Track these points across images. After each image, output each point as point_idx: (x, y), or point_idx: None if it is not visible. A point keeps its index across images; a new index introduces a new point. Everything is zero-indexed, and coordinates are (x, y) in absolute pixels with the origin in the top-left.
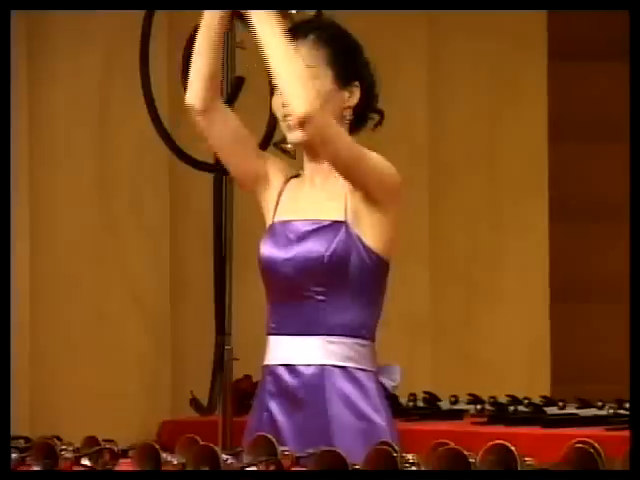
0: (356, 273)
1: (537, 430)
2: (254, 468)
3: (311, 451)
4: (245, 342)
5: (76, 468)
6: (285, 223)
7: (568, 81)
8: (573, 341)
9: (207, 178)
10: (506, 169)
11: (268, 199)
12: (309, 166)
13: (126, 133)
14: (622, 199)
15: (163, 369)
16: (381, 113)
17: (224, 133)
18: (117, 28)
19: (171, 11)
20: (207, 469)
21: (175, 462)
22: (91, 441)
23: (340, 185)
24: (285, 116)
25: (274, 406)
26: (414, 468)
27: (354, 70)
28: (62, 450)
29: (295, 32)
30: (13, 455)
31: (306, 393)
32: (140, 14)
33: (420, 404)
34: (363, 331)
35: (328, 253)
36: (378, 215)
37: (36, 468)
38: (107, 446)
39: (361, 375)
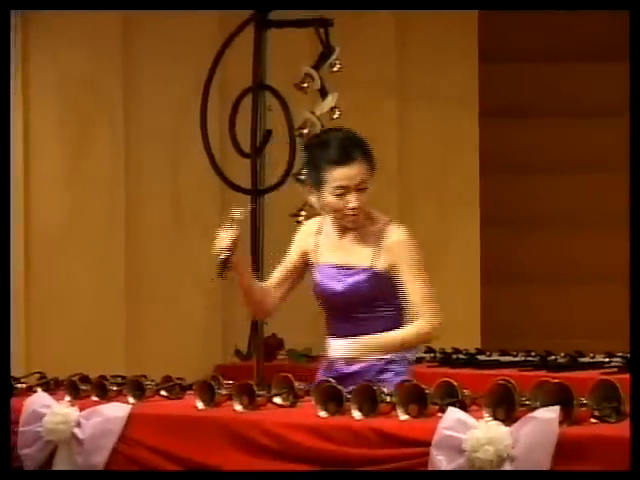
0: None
1: (472, 371)
2: (279, 397)
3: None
4: None
5: (157, 398)
6: (332, 265)
7: (494, 132)
8: (495, 311)
9: (247, 197)
10: (452, 193)
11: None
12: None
13: (191, 163)
14: (529, 211)
15: (216, 328)
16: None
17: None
18: (190, 82)
19: (223, 73)
20: (246, 399)
21: (224, 393)
22: (167, 379)
23: (372, 238)
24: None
25: None
26: (388, 398)
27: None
28: (147, 385)
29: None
30: (113, 388)
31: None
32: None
33: None
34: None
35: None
36: None
37: (130, 398)
38: (178, 382)
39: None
